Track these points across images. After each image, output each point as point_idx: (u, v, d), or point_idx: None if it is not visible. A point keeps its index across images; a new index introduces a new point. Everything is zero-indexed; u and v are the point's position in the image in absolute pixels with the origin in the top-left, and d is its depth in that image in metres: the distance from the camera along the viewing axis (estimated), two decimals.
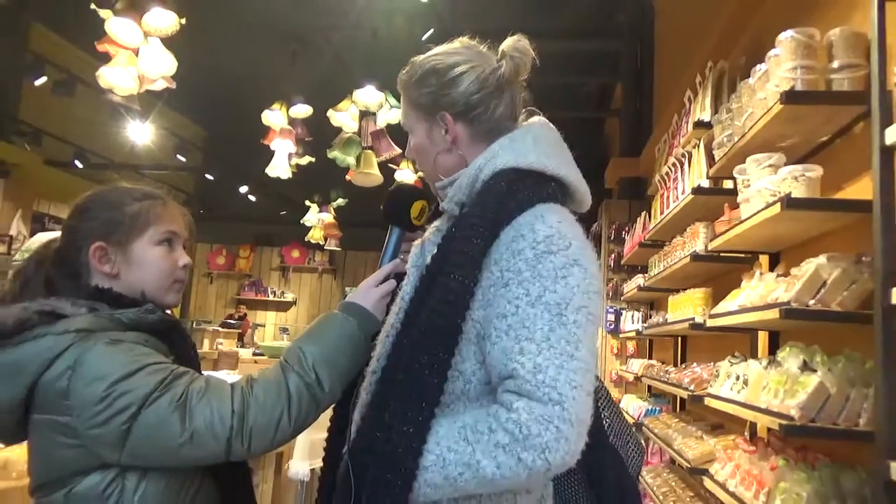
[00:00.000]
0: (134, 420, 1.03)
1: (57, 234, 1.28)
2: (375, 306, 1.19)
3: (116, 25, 3.21)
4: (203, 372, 1.25)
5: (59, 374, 1.05)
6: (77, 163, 7.44)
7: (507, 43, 1.20)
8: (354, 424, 1.10)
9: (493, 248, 1.03)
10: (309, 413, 1.11)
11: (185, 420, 1.03)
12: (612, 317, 5.66)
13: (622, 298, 5.22)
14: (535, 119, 1.23)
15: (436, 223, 1.27)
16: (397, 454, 0.96)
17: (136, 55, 3.33)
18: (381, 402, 1.02)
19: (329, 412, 1.21)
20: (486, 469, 0.93)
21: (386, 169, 5.71)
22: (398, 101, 5.54)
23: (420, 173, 7.04)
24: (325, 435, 1.21)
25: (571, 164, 1.17)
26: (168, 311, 1.26)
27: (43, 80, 5.96)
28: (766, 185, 2.06)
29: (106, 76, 3.32)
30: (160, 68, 3.36)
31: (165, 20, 3.26)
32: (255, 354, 6.89)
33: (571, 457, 0.93)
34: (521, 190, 1.08)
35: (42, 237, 2.68)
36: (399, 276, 1.25)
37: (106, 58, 3.35)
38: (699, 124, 3.14)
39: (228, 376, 3.44)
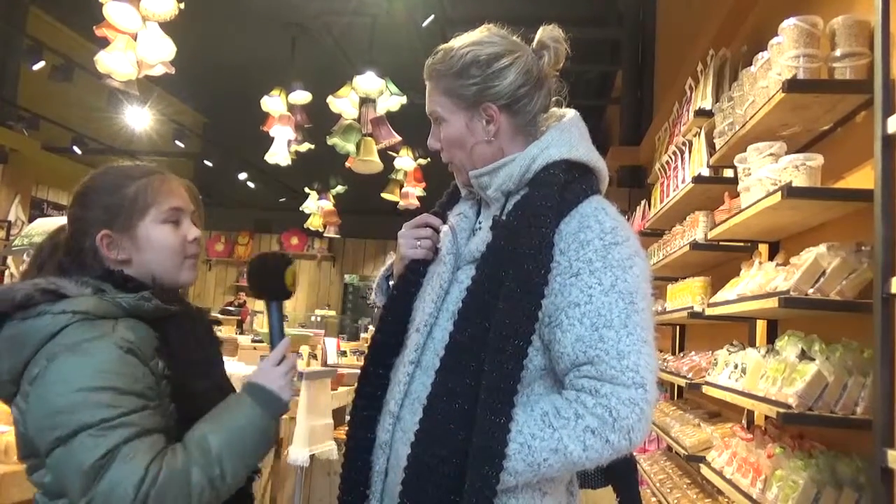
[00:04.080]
0: (61, 444, 1.00)
1: (58, 220, 1.26)
2: (282, 386, 1.17)
3: (115, 10, 3.19)
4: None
5: (39, 359, 1.05)
6: (75, 148, 7.41)
7: (545, 33, 1.21)
8: (393, 416, 1.11)
9: (557, 238, 1.07)
10: None
11: (94, 485, 0.98)
12: None
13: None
14: (571, 112, 1.24)
15: (459, 210, 1.27)
16: (491, 447, 0.98)
17: (135, 40, 3.31)
18: (448, 392, 1.04)
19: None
20: (573, 453, 0.98)
21: (385, 156, 5.70)
22: (398, 88, 5.50)
23: (420, 161, 7.04)
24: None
25: (601, 156, 1.21)
26: (176, 294, 1.23)
27: (41, 65, 5.92)
28: (766, 173, 2.06)
29: (104, 61, 3.30)
30: (159, 53, 3.34)
31: (164, 5, 3.24)
32: (253, 341, 6.90)
33: (646, 434, 1.01)
34: (577, 182, 1.12)
35: (41, 223, 2.68)
36: (416, 264, 1.24)
37: (104, 43, 3.33)
38: (700, 113, 3.13)
39: (228, 363, 3.44)
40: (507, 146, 1.18)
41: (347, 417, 1.27)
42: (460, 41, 1.19)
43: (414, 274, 1.23)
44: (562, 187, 1.10)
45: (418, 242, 1.25)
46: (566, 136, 1.17)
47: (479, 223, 1.23)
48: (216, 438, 1.07)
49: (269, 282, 1.25)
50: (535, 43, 1.21)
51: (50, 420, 1.01)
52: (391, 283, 1.34)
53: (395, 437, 1.11)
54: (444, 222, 1.27)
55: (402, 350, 1.18)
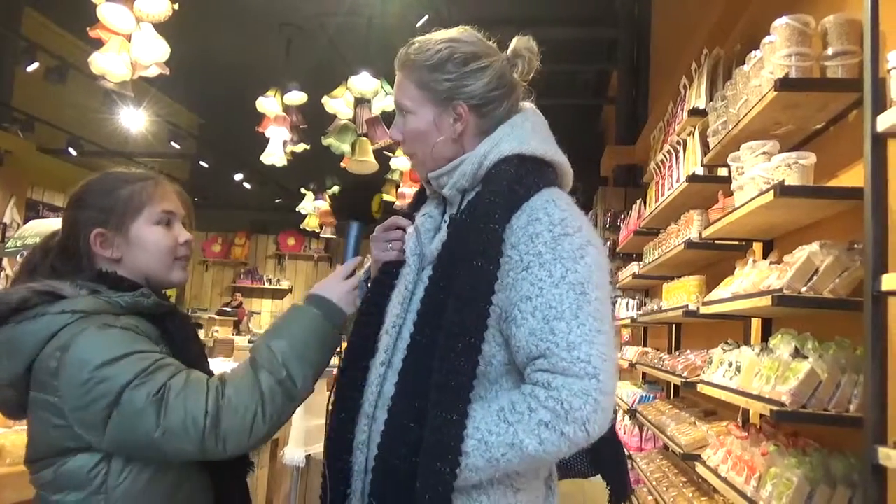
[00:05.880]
0: (113, 407, 1.04)
1: (51, 221, 1.29)
2: (343, 299, 1.21)
3: (108, 11, 3.18)
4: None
5: (51, 354, 1.07)
6: (70, 150, 7.38)
7: (520, 43, 1.21)
8: (368, 416, 1.12)
9: (508, 233, 1.06)
10: (284, 410, 1.11)
11: (161, 415, 1.03)
12: None
13: (617, 286, 5.23)
14: (527, 105, 1.24)
15: (424, 210, 1.27)
16: (444, 443, 0.98)
17: (129, 41, 3.30)
18: (410, 392, 1.05)
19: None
20: (528, 447, 0.98)
21: (381, 156, 5.69)
22: (393, 87, 5.48)
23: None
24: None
25: (559, 149, 1.21)
26: (165, 295, 1.27)
27: (35, 66, 5.90)
28: (759, 172, 2.07)
29: (98, 62, 3.29)
30: (153, 54, 3.34)
31: (158, 6, 3.23)
32: (250, 342, 6.91)
33: (606, 424, 1.00)
34: (528, 175, 1.11)
35: (34, 225, 2.68)
36: (390, 266, 1.24)
37: (98, 44, 3.32)
38: (694, 112, 3.14)
39: (224, 363, 3.45)
40: (469, 147, 1.19)
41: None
42: (437, 36, 1.19)
43: (386, 276, 1.24)
44: (513, 181, 1.09)
45: (389, 245, 1.26)
46: (518, 130, 1.17)
47: (445, 221, 1.23)
48: (278, 345, 1.12)
49: (356, 202, 1.30)
50: (509, 51, 1.22)
51: (90, 396, 1.04)
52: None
53: (371, 437, 1.12)
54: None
55: (376, 352, 1.19)
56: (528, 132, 1.17)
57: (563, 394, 0.97)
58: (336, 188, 8.58)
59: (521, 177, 1.10)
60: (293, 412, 1.14)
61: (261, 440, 1.11)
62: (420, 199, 1.33)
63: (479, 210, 1.08)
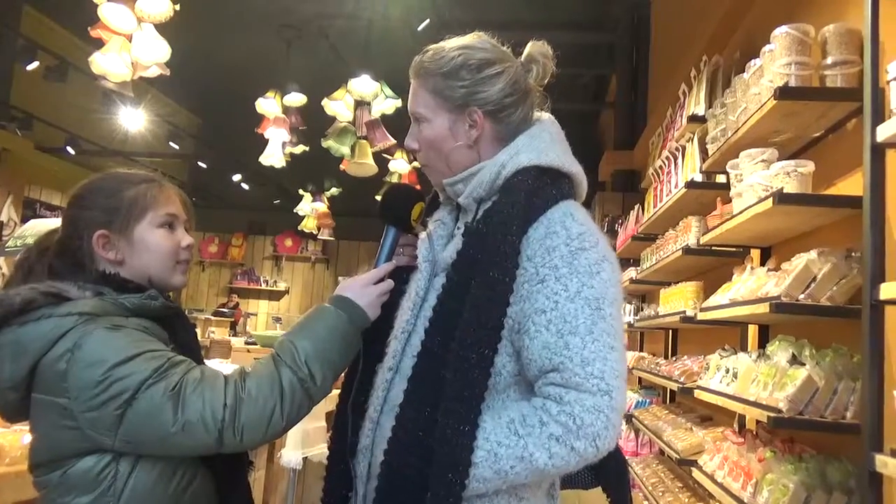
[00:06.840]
0: (128, 406, 1.04)
1: (51, 221, 1.28)
2: (370, 304, 1.19)
3: (109, 11, 3.19)
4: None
5: (59, 356, 1.06)
6: (69, 149, 7.37)
7: (534, 48, 1.22)
8: (373, 421, 1.12)
9: (525, 245, 1.06)
10: (301, 407, 1.11)
11: (178, 410, 1.04)
12: None
13: None
14: (545, 116, 1.24)
15: (437, 216, 1.27)
16: (454, 453, 0.98)
17: (130, 41, 3.31)
18: (419, 400, 1.05)
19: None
20: (538, 460, 0.98)
21: (380, 159, 5.70)
22: (393, 91, 5.49)
23: (416, 163, 7.05)
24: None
25: (575, 160, 1.20)
26: (170, 297, 1.28)
27: (35, 65, 5.90)
28: (758, 179, 2.08)
29: (99, 62, 3.29)
30: (154, 55, 3.34)
31: (159, 6, 3.24)
32: (247, 343, 6.89)
33: (615, 440, 1.00)
34: (546, 187, 1.11)
35: (35, 224, 2.67)
36: (400, 271, 1.25)
37: (99, 43, 3.32)
38: (693, 118, 3.15)
39: (221, 365, 3.45)
40: (485, 154, 1.18)
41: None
42: (451, 43, 1.19)
43: (398, 281, 1.24)
44: (530, 193, 1.09)
45: (401, 250, 1.27)
46: (536, 141, 1.16)
47: (459, 228, 1.22)
48: (302, 343, 1.13)
49: (398, 209, 1.27)
50: (523, 56, 1.22)
51: (104, 396, 1.04)
52: None
53: (375, 443, 1.12)
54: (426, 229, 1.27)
55: (384, 357, 1.19)
56: (546, 143, 1.17)
57: (576, 409, 0.97)
58: (335, 190, 8.59)
59: (539, 188, 1.10)
60: (309, 411, 1.14)
61: (276, 435, 1.12)
62: (433, 205, 1.33)
63: (496, 220, 1.07)
